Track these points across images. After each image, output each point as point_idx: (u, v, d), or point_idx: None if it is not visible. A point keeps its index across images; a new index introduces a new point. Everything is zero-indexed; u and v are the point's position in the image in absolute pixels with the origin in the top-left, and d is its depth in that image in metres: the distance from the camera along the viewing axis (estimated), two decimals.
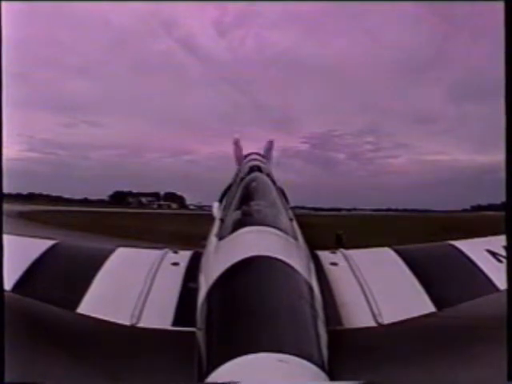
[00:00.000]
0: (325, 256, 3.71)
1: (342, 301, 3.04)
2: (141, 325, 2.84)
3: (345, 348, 2.43)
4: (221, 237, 3.24)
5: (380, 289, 3.19)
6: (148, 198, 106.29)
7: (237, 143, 7.30)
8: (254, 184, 4.39)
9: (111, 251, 3.71)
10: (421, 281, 3.33)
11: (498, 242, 3.74)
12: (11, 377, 2.19)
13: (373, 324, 2.91)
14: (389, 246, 3.98)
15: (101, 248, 4.07)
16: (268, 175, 4.76)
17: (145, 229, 16.73)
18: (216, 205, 5.18)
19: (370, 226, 22.95)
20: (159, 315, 2.91)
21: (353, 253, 3.78)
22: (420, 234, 13.92)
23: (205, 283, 2.55)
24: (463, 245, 3.98)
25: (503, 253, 3.61)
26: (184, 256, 3.68)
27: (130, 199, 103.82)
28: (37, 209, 35.80)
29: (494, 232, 3.88)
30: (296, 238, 3.25)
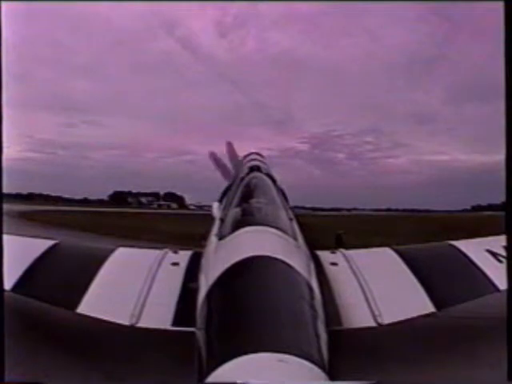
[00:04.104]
0: (325, 256, 3.71)
1: (341, 301, 3.03)
2: (140, 325, 2.84)
3: (345, 348, 2.43)
4: (221, 237, 3.24)
5: (380, 289, 3.19)
6: (148, 198, 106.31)
7: (230, 146, 7.49)
8: (253, 184, 4.39)
9: (111, 251, 3.71)
10: (421, 281, 3.33)
11: (498, 242, 3.73)
12: (11, 377, 2.19)
13: (373, 324, 2.91)
14: (389, 246, 3.98)
15: (101, 248, 4.07)
16: (268, 175, 4.76)
17: (145, 229, 16.72)
18: (216, 205, 5.17)
19: (370, 226, 22.92)
20: (159, 315, 2.91)
21: (353, 253, 3.78)
22: (420, 234, 13.92)
23: (205, 283, 2.55)
24: (463, 245, 3.98)
25: (503, 253, 3.60)
26: (184, 256, 3.67)
27: (130, 199, 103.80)
28: (37, 209, 35.78)
29: (494, 232, 3.88)
30: (296, 238, 3.25)
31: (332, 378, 1.78)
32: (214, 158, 7.73)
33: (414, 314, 3.09)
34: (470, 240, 4.29)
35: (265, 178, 4.58)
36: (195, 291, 2.64)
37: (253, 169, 4.79)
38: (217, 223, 3.82)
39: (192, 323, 2.37)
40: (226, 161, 7.64)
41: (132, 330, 2.84)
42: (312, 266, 2.92)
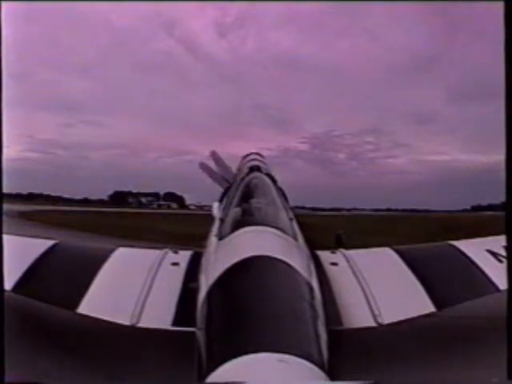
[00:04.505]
0: (325, 256, 3.71)
1: (342, 301, 3.04)
2: (141, 325, 2.84)
3: (345, 348, 2.43)
4: (221, 237, 3.24)
5: (380, 289, 3.19)
6: (148, 198, 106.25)
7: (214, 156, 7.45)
8: (253, 184, 4.39)
9: (111, 251, 3.71)
10: (421, 281, 3.33)
11: (498, 242, 3.74)
12: (11, 377, 2.19)
13: (373, 324, 2.91)
14: (389, 246, 3.98)
15: (101, 248, 4.07)
16: (268, 175, 4.76)
17: (145, 229, 16.73)
18: (216, 205, 5.18)
19: (370, 226, 22.92)
20: (159, 315, 2.91)
21: (353, 253, 3.78)
22: (420, 234, 13.92)
23: (205, 283, 2.55)
24: (463, 245, 3.98)
25: (503, 253, 3.61)
26: (184, 256, 3.68)
27: (130, 199, 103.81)
28: (37, 209, 35.78)
29: (494, 232, 3.89)
30: (296, 238, 3.25)
31: (332, 378, 1.79)
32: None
33: (414, 314, 3.09)
34: (470, 240, 4.30)
35: (265, 178, 4.57)
36: (195, 291, 2.64)
37: (253, 169, 4.79)
38: (217, 223, 3.82)
39: (192, 323, 2.37)
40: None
41: (132, 329, 2.84)
42: (312, 266, 2.92)
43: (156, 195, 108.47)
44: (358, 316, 2.96)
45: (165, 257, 3.65)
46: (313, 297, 2.37)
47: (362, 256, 3.74)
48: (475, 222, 22.05)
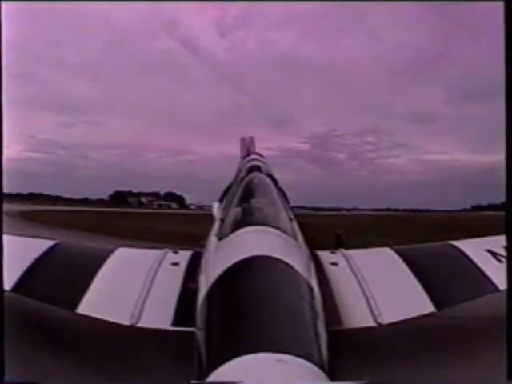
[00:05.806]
0: (325, 256, 3.71)
1: (341, 301, 3.04)
2: (140, 325, 2.84)
3: (345, 348, 2.43)
4: (221, 237, 3.24)
5: (380, 289, 3.19)
6: (148, 198, 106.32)
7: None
8: (254, 184, 4.39)
9: (111, 251, 3.71)
10: (421, 281, 3.34)
11: (498, 242, 3.74)
12: (11, 377, 2.19)
13: (373, 324, 2.92)
14: (389, 246, 3.98)
15: (101, 248, 4.08)
16: (268, 175, 4.76)
17: (145, 229, 16.74)
18: (216, 205, 5.18)
19: (370, 226, 22.91)
20: (159, 315, 2.92)
21: (353, 253, 3.78)
22: (420, 234, 13.91)
23: (205, 283, 2.55)
24: (463, 245, 3.99)
25: (503, 253, 3.61)
26: (184, 256, 3.68)
27: (130, 199, 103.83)
28: (37, 209, 35.77)
29: (494, 232, 3.88)
30: (296, 238, 3.25)
31: (332, 378, 1.79)
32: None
33: (414, 314, 3.10)
34: (470, 240, 4.30)
35: (265, 178, 4.57)
36: (195, 291, 2.64)
37: (253, 169, 4.78)
38: (217, 223, 3.82)
39: (192, 323, 2.37)
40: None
41: (132, 329, 2.84)
42: (312, 266, 2.92)
43: (156, 195, 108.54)
44: (357, 316, 2.96)
45: (165, 257, 3.65)
46: (312, 297, 2.37)
47: (361, 256, 3.74)
48: (475, 222, 22.03)
